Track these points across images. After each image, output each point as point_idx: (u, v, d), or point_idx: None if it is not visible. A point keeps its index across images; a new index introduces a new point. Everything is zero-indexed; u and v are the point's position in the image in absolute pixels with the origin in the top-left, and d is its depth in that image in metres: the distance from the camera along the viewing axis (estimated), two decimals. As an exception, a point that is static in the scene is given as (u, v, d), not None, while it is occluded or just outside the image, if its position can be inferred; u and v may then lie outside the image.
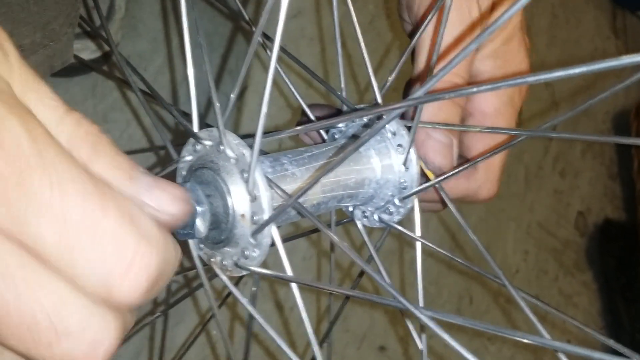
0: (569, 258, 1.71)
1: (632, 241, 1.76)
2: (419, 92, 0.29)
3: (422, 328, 0.47)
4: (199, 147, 0.41)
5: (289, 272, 0.39)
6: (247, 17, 0.60)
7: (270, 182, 0.39)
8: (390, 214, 0.49)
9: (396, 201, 0.48)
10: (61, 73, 0.88)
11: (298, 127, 0.40)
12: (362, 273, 0.60)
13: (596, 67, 0.22)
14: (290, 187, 0.42)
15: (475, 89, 0.28)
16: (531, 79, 0.25)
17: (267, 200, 0.38)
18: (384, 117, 0.44)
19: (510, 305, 1.50)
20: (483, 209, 1.51)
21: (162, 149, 0.95)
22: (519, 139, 0.49)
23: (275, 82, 0.35)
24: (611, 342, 0.37)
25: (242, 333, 1.05)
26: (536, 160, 1.68)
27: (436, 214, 1.31)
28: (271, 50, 0.33)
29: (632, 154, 1.85)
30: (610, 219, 1.81)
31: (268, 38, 0.60)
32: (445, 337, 0.30)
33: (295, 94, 0.55)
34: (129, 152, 0.97)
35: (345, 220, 0.54)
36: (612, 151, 1.91)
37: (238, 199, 0.39)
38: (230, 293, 0.44)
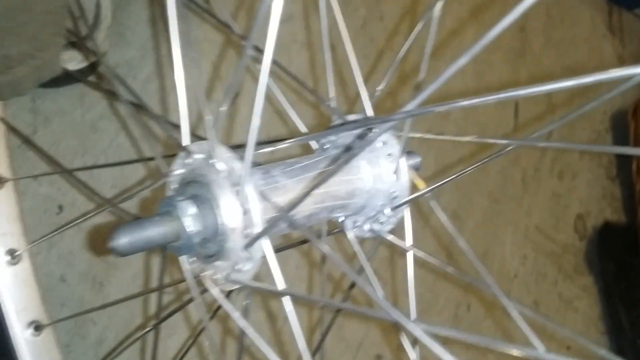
0: (568, 262, 1.70)
1: (632, 244, 1.75)
2: (409, 105, 0.29)
3: (415, 340, 0.47)
4: (189, 160, 0.41)
5: (282, 285, 0.39)
6: (238, 31, 0.59)
7: (262, 195, 0.39)
8: (382, 223, 0.49)
9: (387, 211, 0.48)
10: (49, 84, 0.87)
11: (290, 140, 0.39)
12: (353, 285, 0.60)
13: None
14: (282, 199, 0.42)
15: (466, 103, 0.28)
16: (522, 92, 0.25)
17: (259, 214, 0.38)
18: (374, 129, 0.44)
19: (506, 313, 1.48)
20: (480, 213, 1.51)
21: (151, 159, 0.95)
22: (508, 148, 0.49)
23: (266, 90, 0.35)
24: (603, 352, 0.36)
25: (235, 345, 1.04)
26: (533, 163, 1.68)
27: (429, 225, 1.30)
28: (262, 65, 0.32)
29: (631, 155, 1.85)
30: (609, 222, 1.80)
31: (259, 50, 0.59)
32: (439, 350, 0.30)
33: (292, 112, 0.55)
34: (119, 163, 0.96)
35: (335, 230, 0.54)
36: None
37: (229, 213, 0.38)
38: (220, 306, 0.43)
